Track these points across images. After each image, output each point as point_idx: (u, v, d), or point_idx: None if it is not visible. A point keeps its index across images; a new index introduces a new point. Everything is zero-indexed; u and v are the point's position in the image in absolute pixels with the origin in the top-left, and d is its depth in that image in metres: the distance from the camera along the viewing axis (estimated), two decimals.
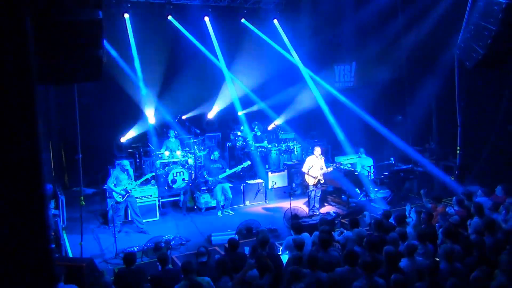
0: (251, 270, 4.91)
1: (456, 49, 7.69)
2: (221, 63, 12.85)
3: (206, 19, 12.62)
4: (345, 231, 6.80)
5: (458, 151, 10.49)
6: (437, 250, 5.39)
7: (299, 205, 9.64)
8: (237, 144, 12.59)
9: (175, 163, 10.69)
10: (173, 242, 7.85)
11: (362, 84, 13.77)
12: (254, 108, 13.44)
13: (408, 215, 6.99)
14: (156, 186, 9.78)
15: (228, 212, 10.05)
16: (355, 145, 11.99)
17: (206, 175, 10.06)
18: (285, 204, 9.74)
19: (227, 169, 10.18)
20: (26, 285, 1.25)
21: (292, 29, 13.41)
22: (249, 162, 10.58)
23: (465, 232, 6.07)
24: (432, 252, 5.51)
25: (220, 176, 9.97)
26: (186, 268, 4.79)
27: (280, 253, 6.23)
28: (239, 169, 10.49)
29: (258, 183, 10.88)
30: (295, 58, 13.21)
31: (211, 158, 10.28)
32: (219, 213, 9.94)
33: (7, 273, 1.23)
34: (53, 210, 8.45)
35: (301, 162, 11.21)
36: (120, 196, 8.66)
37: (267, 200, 10.87)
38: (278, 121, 13.48)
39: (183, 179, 10.25)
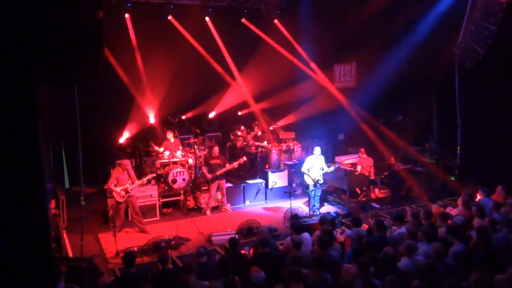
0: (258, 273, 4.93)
1: (456, 49, 7.71)
2: (221, 63, 12.83)
3: (207, 19, 12.62)
4: (346, 229, 6.80)
5: (458, 151, 10.48)
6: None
7: (299, 205, 9.63)
8: (237, 144, 12.58)
9: (175, 163, 10.69)
10: (173, 242, 7.85)
11: (362, 84, 13.76)
12: (254, 108, 13.42)
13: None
14: (156, 186, 9.78)
15: (227, 210, 10.08)
16: (355, 145, 11.98)
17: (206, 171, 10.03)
18: (285, 204, 9.73)
19: (227, 164, 10.17)
20: (26, 285, 1.25)
21: (293, 29, 13.39)
22: (245, 158, 10.56)
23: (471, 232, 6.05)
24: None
25: (218, 173, 9.96)
26: (185, 269, 4.80)
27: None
28: (236, 165, 10.41)
29: (258, 183, 10.87)
30: (295, 58, 13.18)
31: (212, 154, 10.24)
32: (208, 212, 9.92)
33: (8, 273, 1.23)
34: (53, 210, 8.45)
35: (301, 162, 11.20)
36: (120, 196, 8.65)
37: (267, 200, 10.87)
38: (278, 121, 13.46)
39: (183, 179, 10.24)
